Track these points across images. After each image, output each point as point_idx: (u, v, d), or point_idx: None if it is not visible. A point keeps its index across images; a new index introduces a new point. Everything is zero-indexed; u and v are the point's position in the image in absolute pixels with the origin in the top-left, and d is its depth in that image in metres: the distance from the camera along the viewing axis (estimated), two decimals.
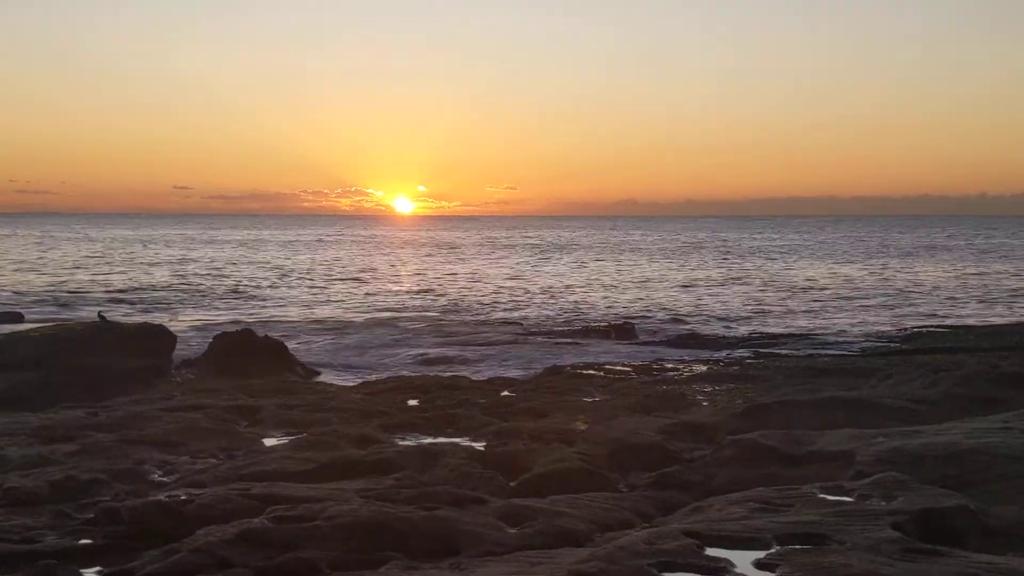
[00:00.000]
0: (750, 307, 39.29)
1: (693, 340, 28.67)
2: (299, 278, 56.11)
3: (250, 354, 21.35)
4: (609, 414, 14.77)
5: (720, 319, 35.03)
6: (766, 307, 39.36)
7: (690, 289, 48.48)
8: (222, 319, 34.22)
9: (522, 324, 33.31)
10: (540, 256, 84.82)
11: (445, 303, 41.14)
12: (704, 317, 35.79)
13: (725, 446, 11.06)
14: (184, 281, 52.27)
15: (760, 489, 8.81)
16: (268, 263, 70.82)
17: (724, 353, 25.70)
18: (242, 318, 34.29)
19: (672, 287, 49.69)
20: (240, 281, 52.99)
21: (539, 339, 29.33)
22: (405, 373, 22.42)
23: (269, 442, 13.15)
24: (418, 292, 46.99)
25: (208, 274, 58.01)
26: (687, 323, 33.63)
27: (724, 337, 29.56)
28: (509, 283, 53.06)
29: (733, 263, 72.64)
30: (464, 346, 28.06)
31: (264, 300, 42.46)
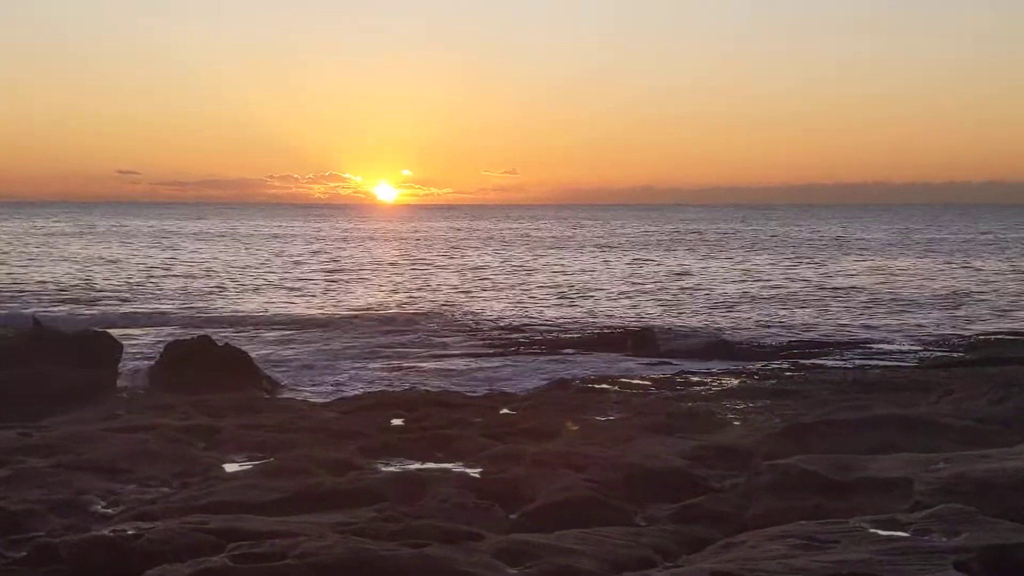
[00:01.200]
0: (789, 311, 39.31)
1: (723, 349, 28.69)
2: (264, 277, 56.15)
3: (208, 365, 21.36)
4: (625, 435, 14.75)
5: (754, 325, 35.05)
6: (808, 310, 39.38)
7: (718, 290, 48.48)
8: (175, 325, 34.24)
9: (524, 331, 33.33)
10: (544, 251, 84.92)
11: (434, 306, 41.16)
12: (735, 322, 35.82)
13: (761, 472, 11.04)
14: (131, 281, 52.31)
15: (802, 523, 8.78)
16: (229, 260, 70.87)
17: (759, 364, 25.72)
18: (198, 324, 34.30)
19: (698, 288, 49.70)
20: (197, 281, 53.04)
21: (543, 348, 29.35)
22: (387, 388, 22.42)
23: (230, 468, 13.15)
24: (404, 293, 47.05)
25: (159, 273, 58.08)
26: (716, 329, 33.66)
27: (759, 346, 29.58)
28: (509, 283, 53.09)
29: (767, 259, 72.67)
30: (456, 356, 28.07)
31: (224, 303, 42.50)
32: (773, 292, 47.16)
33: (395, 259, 73.70)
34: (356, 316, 37.40)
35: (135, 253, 77.90)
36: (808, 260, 71.62)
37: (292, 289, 49.44)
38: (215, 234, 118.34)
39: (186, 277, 55.51)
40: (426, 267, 64.70)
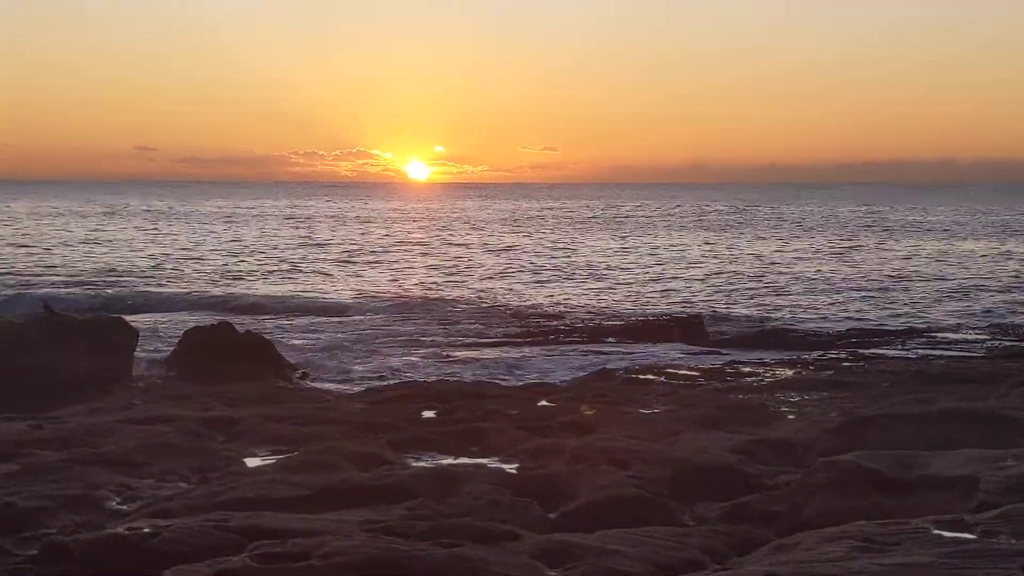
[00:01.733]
0: (847, 296, 39.13)
1: (776, 338, 28.71)
2: (288, 260, 56.37)
3: (228, 353, 21.47)
4: (671, 429, 14.77)
5: (810, 311, 34.91)
6: (867, 296, 39.18)
7: (771, 274, 48.32)
8: (195, 311, 34.46)
9: (563, 318, 33.34)
10: (587, 233, 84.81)
11: (468, 292, 41.23)
12: (789, 309, 35.70)
13: (816, 469, 11.02)
14: (150, 264, 52.66)
15: (860, 523, 8.77)
16: (250, 242, 71.19)
17: (815, 354, 25.69)
18: (218, 309, 34.52)
19: (749, 272, 49.55)
20: (217, 264, 53.32)
21: (584, 336, 29.36)
22: (419, 378, 22.50)
23: (252, 462, 13.21)
24: (435, 278, 47.13)
25: (177, 255, 58.42)
26: (768, 316, 33.55)
27: (815, 334, 29.50)
28: (548, 266, 53.11)
29: (824, 241, 72.29)
30: (491, 344, 28.12)
31: (245, 287, 42.71)
32: (829, 276, 46.95)
33: (426, 241, 73.81)
34: (385, 302, 37.50)
35: (151, 234, 78.40)
36: (868, 242, 71.22)
37: (317, 273, 49.62)
38: (235, 214, 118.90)
39: (205, 260, 55.82)
40: (459, 250, 64.76)
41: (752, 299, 38.66)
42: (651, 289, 42.77)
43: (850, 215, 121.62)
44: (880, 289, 41.60)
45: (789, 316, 33.78)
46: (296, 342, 27.55)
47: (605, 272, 50.01)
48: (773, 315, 34.01)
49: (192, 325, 25.22)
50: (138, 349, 21.88)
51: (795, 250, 64.29)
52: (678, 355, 26.12)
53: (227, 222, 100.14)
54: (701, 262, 55.70)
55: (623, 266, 53.57)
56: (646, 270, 51.29)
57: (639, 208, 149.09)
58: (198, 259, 56.31)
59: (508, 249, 65.26)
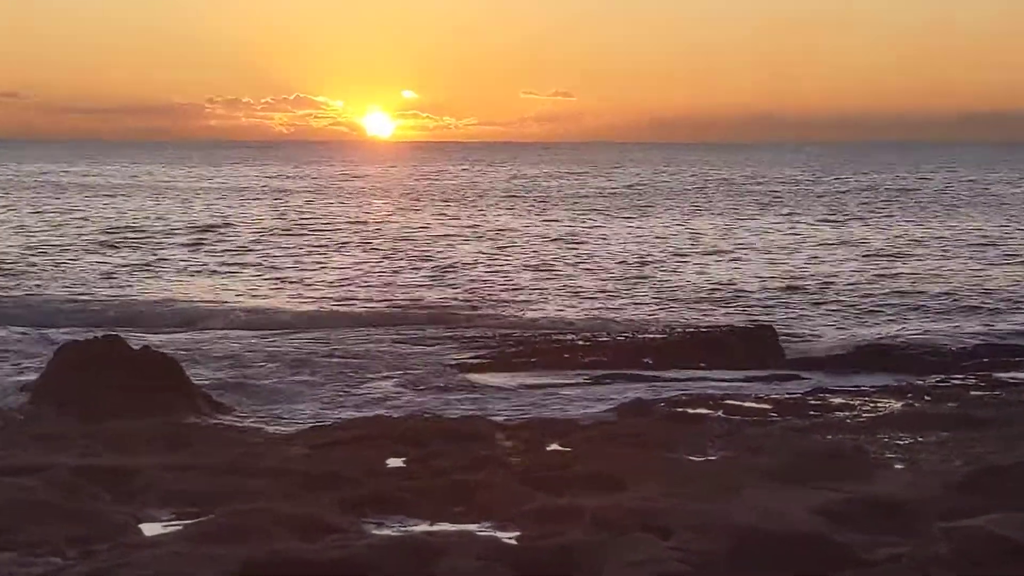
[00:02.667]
0: (976, 301, 39.03)
1: (877, 358, 28.74)
2: (201, 251, 56.23)
3: (119, 378, 21.38)
4: (732, 483, 14.74)
5: (923, 321, 34.85)
6: (1003, 301, 39.06)
7: (868, 271, 48.18)
8: (69, 320, 34.34)
9: (581, 330, 33.25)
10: (612, 213, 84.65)
11: (451, 294, 41.14)
12: (896, 315, 35.66)
13: (934, 540, 11.01)
14: (11, 250, 52.54)
15: None
16: (147, 224, 71.02)
17: (931, 379, 25.64)
18: (104, 319, 34.41)
19: (839, 267, 49.52)
20: (100, 256, 53.10)
21: (611, 355, 29.24)
22: (382, 411, 22.49)
23: (151, 529, 13.24)
24: (406, 275, 47.00)
25: (40, 244, 58.20)
26: (867, 326, 33.48)
27: (931, 352, 29.45)
28: (563, 258, 53.07)
29: (937, 222, 72.34)
30: (482, 366, 28.05)
31: (141, 289, 42.59)
32: (949, 274, 46.86)
33: (393, 224, 73.65)
34: (336, 309, 37.47)
35: (32, 212, 78.41)
36: (998, 226, 71.07)
37: (242, 269, 49.42)
38: (126, 184, 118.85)
39: (83, 250, 55.63)
40: (435, 237, 64.57)
41: (841, 305, 38.45)
42: (704, 286, 42.93)
43: (964, 181, 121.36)
44: (1022, 291, 41.46)
45: (893, 327, 33.73)
46: (213, 362, 27.50)
47: (637, 267, 49.84)
48: (871, 326, 33.94)
49: (67, 340, 25.13)
50: None
51: (891, 234, 64.27)
52: (740, 381, 26.17)
53: (112, 195, 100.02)
54: (770, 253, 55.51)
55: (661, 259, 53.51)
56: (693, 264, 51.27)
57: (686, 174, 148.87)
58: (63, 250, 55.94)
59: (502, 236, 65.03)
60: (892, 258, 53.23)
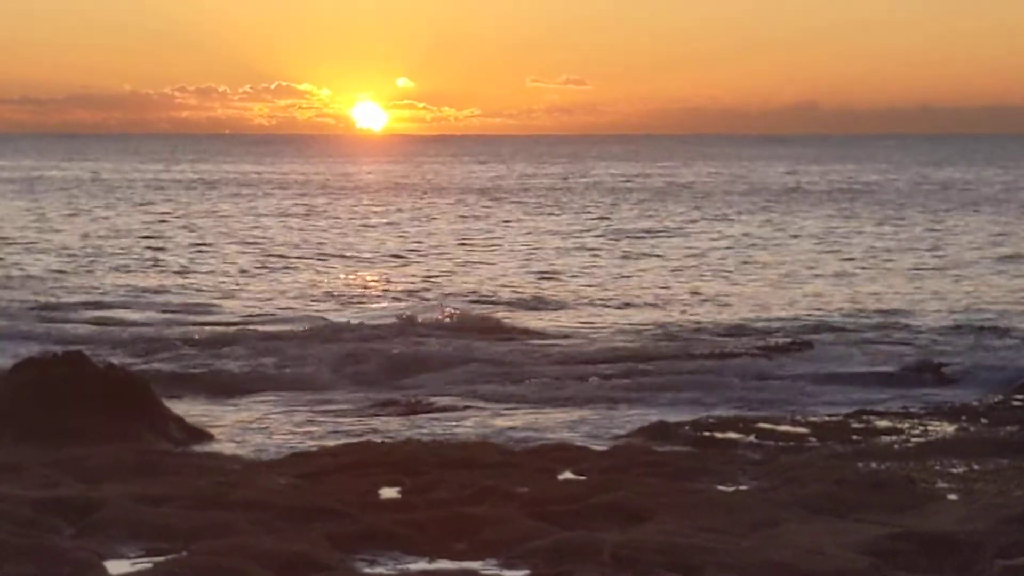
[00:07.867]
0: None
1: (928, 374, 28.73)
2: (171, 257, 56.44)
3: (81, 399, 21.35)
4: (767, 516, 14.74)
5: (980, 333, 34.66)
6: None
7: (912, 276, 48.22)
8: (24, 335, 34.23)
9: (596, 342, 33.24)
10: (638, 212, 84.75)
11: (452, 304, 41.23)
12: (950, 327, 35.55)
13: None
14: None
15: None
16: (114, 228, 71.22)
17: (989, 399, 25.43)
18: (63, 334, 34.31)
19: (892, 272, 49.46)
20: (58, 263, 53.24)
21: (629, 371, 29.21)
22: (374, 437, 22.34)
23: (117, 567, 13.34)
24: (403, 283, 47.27)
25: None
26: (918, 339, 33.36)
27: (987, 367, 29.28)
28: (573, 265, 53.16)
29: (990, 222, 72.50)
30: (486, 385, 27.96)
31: (105, 300, 42.53)
32: (1009, 279, 46.80)
33: (388, 227, 73.80)
34: (324, 321, 37.45)
35: None
36: None
37: (218, 277, 49.59)
38: (92, 181, 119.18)
39: (41, 255, 55.74)
40: (439, 243, 64.73)
41: (886, 313, 38.69)
42: (736, 294, 43.22)
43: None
44: None
45: (949, 337, 33.69)
46: (186, 381, 27.47)
47: (659, 272, 50.00)
48: (926, 336, 33.90)
49: (22, 357, 25.00)
50: None
51: (936, 234, 64.79)
52: (777, 397, 26.03)
53: (77, 194, 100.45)
54: (805, 256, 55.99)
55: (691, 262, 54.00)
56: (731, 266, 51.75)
57: (716, 174, 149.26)
58: (26, 254, 56.24)
59: (512, 239, 65.25)
60: (920, 255, 53.56)
